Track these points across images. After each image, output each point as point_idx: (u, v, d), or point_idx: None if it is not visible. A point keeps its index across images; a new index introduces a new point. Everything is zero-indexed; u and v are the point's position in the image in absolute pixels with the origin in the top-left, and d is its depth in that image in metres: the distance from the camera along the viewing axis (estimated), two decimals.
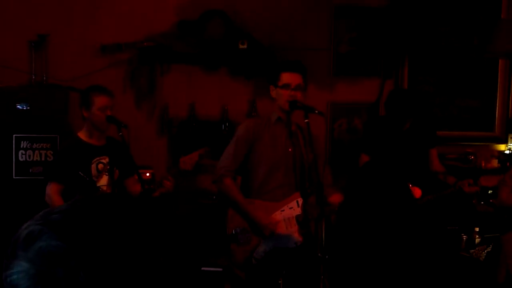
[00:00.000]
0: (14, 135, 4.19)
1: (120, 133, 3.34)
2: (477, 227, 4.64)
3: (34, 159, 4.21)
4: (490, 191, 4.43)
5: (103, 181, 3.41)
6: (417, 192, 3.66)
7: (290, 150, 3.45)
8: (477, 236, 4.61)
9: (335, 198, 3.47)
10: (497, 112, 5.54)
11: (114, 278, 0.77)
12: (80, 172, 3.31)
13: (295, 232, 3.41)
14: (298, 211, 3.41)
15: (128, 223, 0.83)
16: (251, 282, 3.43)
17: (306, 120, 3.30)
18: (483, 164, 5.27)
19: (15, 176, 4.19)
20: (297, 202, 3.43)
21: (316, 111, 3.34)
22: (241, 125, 3.60)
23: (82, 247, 0.76)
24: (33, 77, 4.62)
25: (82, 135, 3.43)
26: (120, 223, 0.82)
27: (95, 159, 3.39)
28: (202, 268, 3.38)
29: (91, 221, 0.80)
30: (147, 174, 4.40)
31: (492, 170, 5.19)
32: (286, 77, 3.35)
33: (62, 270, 0.75)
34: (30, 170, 4.21)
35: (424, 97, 4.54)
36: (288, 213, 3.42)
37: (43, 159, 4.21)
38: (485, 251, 4.33)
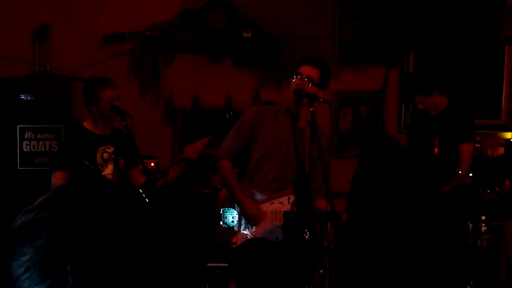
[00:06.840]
0: (18, 126, 4.19)
1: (124, 123, 3.33)
2: (483, 215, 4.62)
3: (39, 150, 4.22)
4: (495, 180, 4.39)
5: (108, 170, 3.40)
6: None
7: (291, 144, 3.35)
8: (483, 224, 4.59)
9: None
10: (503, 100, 5.49)
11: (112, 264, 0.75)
12: (85, 161, 3.31)
13: (279, 227, 3.37)
14: (287, 207, 3.37)
15: (129, 214, 0.81)
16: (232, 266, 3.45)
17: (311, 109, 3.28)
18: (489, 152, 5.23)
19: (19, 167, 4.20)
20: (289, 198, 3.38)
21: (321, 99, 3.32)
22: (249, 109, 3.66)
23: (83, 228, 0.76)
24: (37, 67, 4.61)
25: (87, 124, 3.42)
26: (122, 212, 0.80)
27: (100, 148, 3.38)
28: (208, 264, 3.36)
29: (94, 208, 0.79)
30: (152, 164, 4.40)
31: (498, 158, 5.15)
32: (301, 68, 3.35)
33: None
34: (35, 161, 4.21)
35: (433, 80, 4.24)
36: (276, 207, 3.37)
37: (47, 149, 4.22)
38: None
